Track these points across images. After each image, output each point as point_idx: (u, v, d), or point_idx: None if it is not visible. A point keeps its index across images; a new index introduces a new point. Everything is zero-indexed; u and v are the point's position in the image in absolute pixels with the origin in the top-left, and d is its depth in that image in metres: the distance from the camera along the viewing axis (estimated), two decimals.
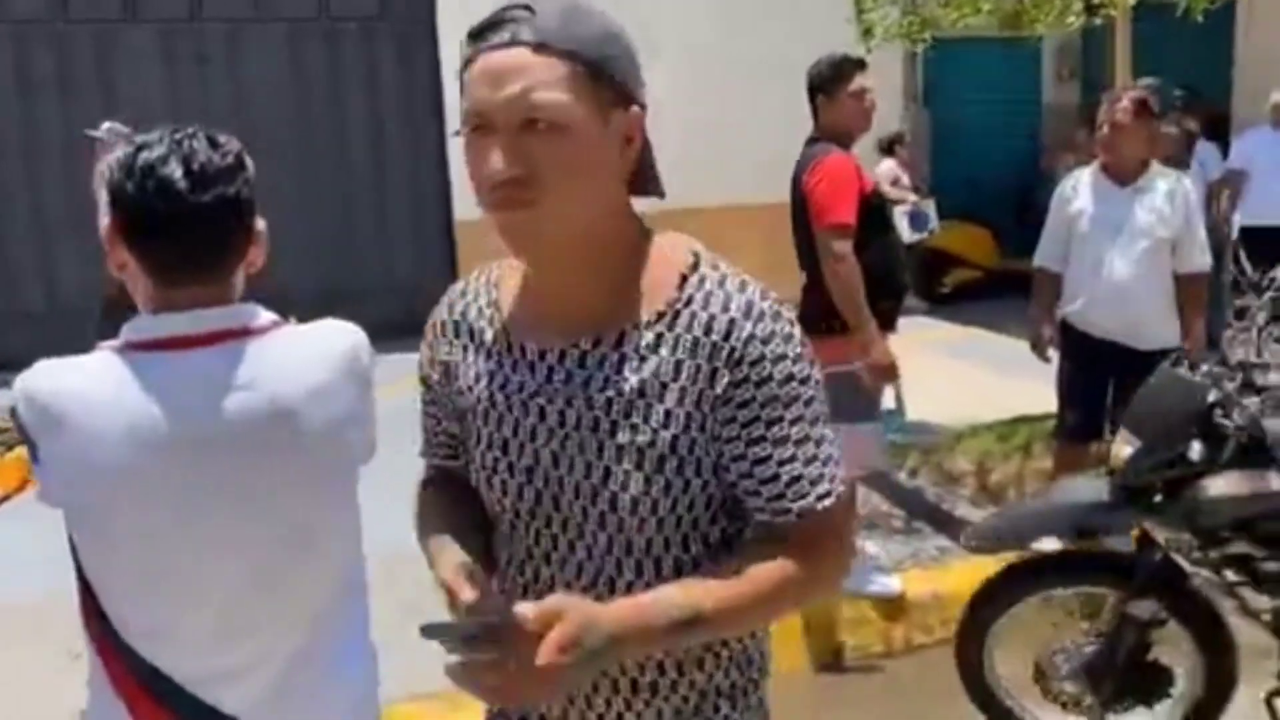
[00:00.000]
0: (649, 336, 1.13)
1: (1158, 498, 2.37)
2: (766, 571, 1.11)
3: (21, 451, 1.38)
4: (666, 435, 1.12)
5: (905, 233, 8.65)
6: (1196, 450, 2.30)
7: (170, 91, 7.66)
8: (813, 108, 3.55)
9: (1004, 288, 7.84)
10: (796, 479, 1.13)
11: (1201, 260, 3.75)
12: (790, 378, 1.13)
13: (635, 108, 1.12)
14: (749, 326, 1.12)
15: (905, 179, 8.78)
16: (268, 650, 1.38)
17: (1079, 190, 3.83)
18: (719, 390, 1.11)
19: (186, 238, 1.31)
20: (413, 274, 8.16)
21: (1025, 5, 5.57)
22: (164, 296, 1.34)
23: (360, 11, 7.87)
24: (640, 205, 1.20)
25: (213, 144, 1.33)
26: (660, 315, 1.14)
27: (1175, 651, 2.59)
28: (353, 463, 1.44)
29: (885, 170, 8.69)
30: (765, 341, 1.12)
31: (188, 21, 7.61)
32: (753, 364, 1.11)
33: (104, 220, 1.36)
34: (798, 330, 1.16)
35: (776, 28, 7.90)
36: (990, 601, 2.71)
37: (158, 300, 1.35)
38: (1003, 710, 2.77)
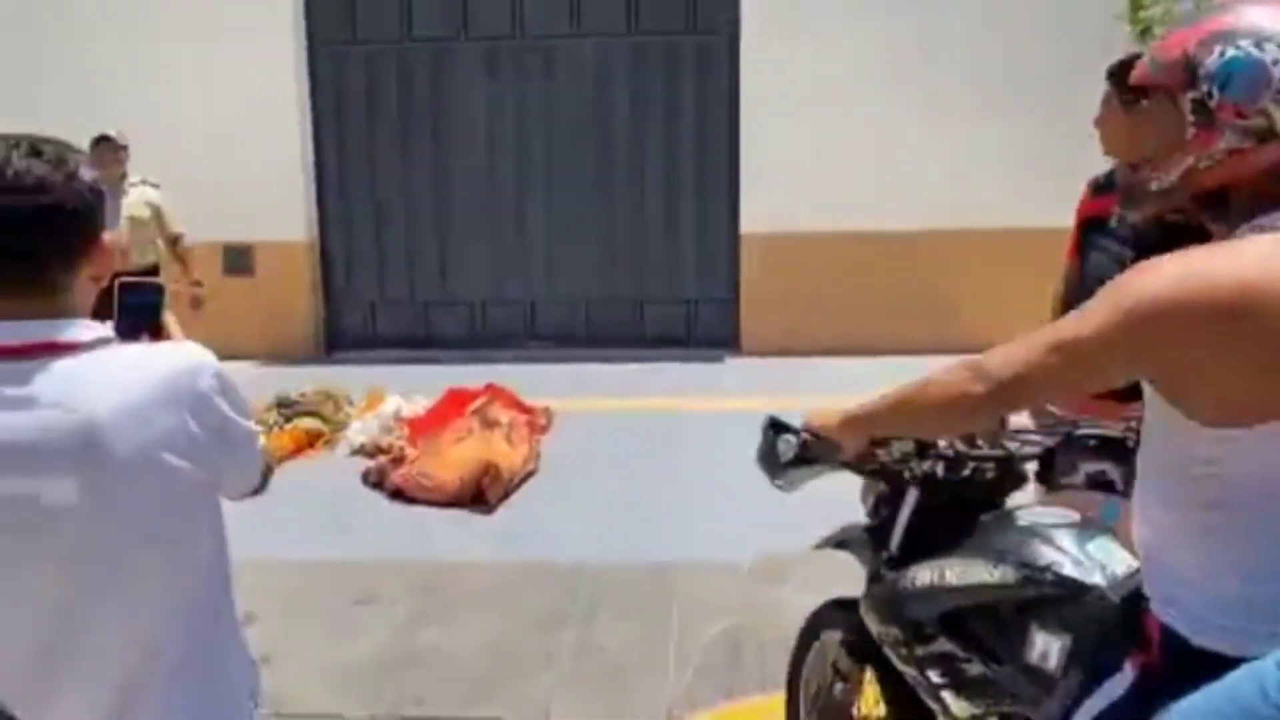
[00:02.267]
0: None
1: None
2: None
3: None
4: None
5: None
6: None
7: (491, 103, 8.28)
8: None
9: None
10: None
11: None
12: None
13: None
14: None
15: None
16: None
17: None
18: None
19: None
20: (697, 287, 8.30)
21: None
22: None
23: (667, 26, 8.11)
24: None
25: (34, 151, 1.26)
26: None
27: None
28: (181, 495, 1.30)
29: None
30: None
31: (511, 39, 8.18)
32: None
33: None
34: None
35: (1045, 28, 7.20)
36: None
37: None
38: None
